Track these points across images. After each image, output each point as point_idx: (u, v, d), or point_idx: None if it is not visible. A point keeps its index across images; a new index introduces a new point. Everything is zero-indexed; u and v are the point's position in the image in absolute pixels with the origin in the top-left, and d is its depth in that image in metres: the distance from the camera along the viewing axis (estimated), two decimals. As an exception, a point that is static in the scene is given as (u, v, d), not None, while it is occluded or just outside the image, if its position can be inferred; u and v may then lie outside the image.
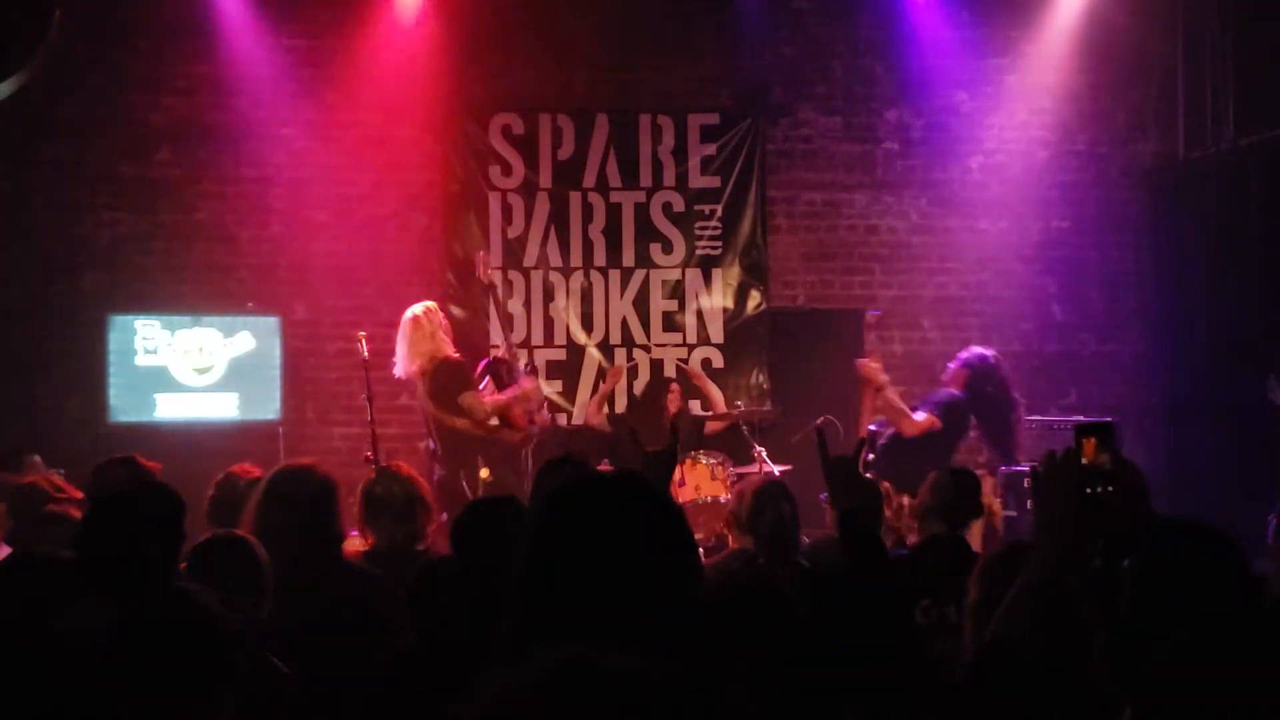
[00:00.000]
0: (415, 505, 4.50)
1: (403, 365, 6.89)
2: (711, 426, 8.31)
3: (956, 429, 7.11)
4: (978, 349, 7.42)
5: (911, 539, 5.05)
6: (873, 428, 7.09)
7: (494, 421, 6.91)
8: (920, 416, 7.00)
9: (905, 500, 6.84)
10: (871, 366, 7.18)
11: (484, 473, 6.68)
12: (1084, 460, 2.22)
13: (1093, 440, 2.22)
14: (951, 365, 7.37)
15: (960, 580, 4.07)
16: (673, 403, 8.15)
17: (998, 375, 7.24)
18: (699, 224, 8.96)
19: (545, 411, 7.12)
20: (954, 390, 7.19)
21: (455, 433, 6.79)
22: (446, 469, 6.81)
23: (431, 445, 7.04)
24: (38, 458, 6.61)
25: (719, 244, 8.97)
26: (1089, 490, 2.20)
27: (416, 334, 6.82)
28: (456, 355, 6.95)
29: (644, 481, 1.83)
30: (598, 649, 1.27)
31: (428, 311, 6.91)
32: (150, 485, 3.76)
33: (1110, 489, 2.19)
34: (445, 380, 6.80)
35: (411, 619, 3.29)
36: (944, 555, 4.36)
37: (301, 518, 3.94)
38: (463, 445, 6.77)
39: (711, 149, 8.95)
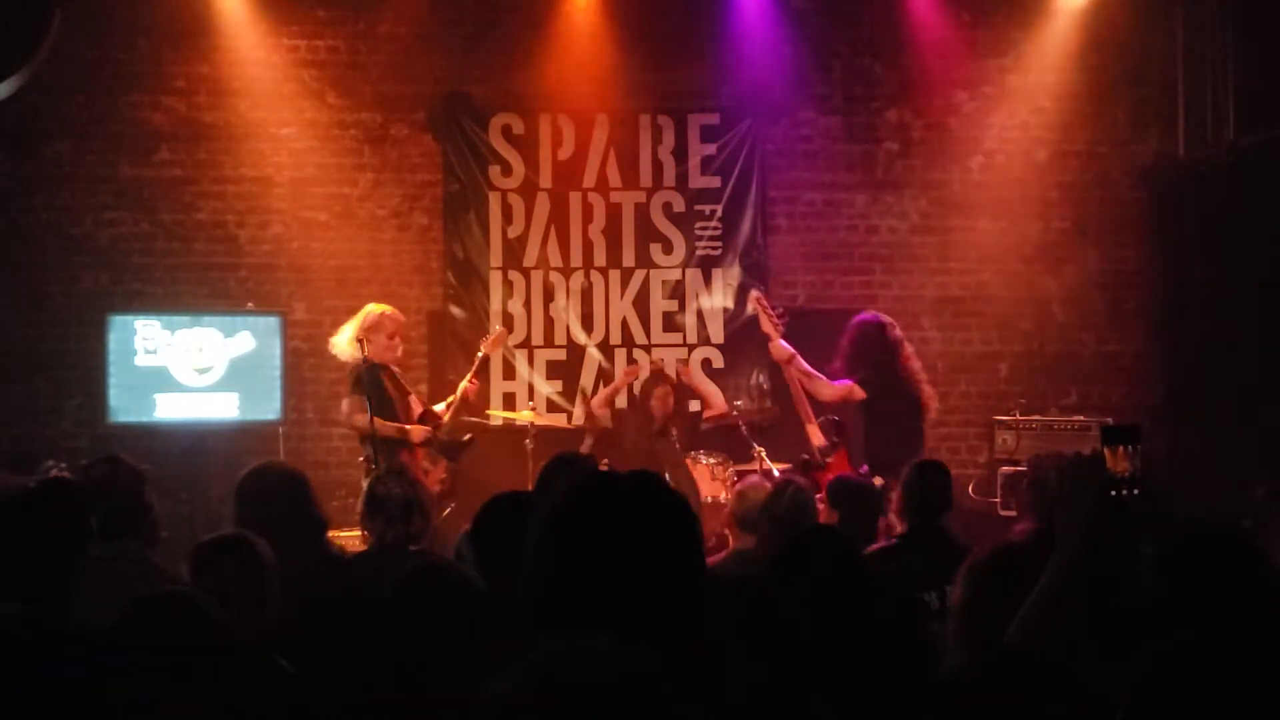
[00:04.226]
0: (411, 509, 4.49)
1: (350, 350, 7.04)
2: (709, 422, 8.24)
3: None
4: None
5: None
6: (834, 418, 7.01)
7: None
8: (840, 383, 6.92)
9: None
10: (779, 346, 7.00)
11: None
12: (1110, 464, 2.22)
13: (1119, 444, 2.22)
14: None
15: (937, 568, 4.23)
16: (659, 407, 8.01)
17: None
18: (699, 224, 8.95)
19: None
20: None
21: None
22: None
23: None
24: (51, 462, 6.57)
25: (719, 244, 8.96)
26: (1114, 493, 2.20)
27: (375, 331, 7.05)
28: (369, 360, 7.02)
29: (657, 481, 1.83)
30: (592, 647, 1.26)
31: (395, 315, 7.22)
32: (52, 484, 3.68)
33: (1135, 492, 2.19)
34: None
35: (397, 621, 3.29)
36: (921, 546, 4.68)
37: (278, 513, 3.97)
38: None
39: (711, 149, 8.94)
